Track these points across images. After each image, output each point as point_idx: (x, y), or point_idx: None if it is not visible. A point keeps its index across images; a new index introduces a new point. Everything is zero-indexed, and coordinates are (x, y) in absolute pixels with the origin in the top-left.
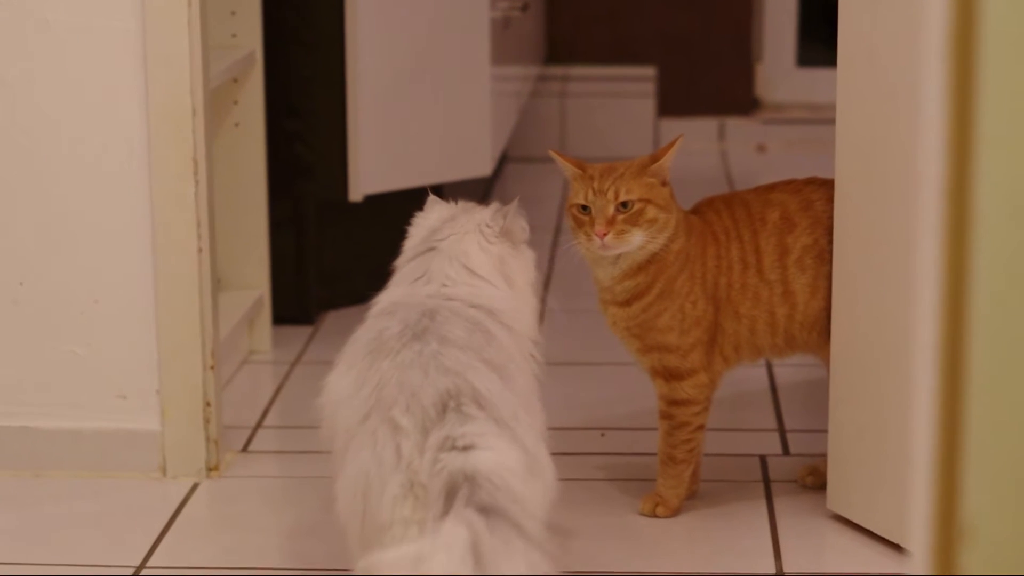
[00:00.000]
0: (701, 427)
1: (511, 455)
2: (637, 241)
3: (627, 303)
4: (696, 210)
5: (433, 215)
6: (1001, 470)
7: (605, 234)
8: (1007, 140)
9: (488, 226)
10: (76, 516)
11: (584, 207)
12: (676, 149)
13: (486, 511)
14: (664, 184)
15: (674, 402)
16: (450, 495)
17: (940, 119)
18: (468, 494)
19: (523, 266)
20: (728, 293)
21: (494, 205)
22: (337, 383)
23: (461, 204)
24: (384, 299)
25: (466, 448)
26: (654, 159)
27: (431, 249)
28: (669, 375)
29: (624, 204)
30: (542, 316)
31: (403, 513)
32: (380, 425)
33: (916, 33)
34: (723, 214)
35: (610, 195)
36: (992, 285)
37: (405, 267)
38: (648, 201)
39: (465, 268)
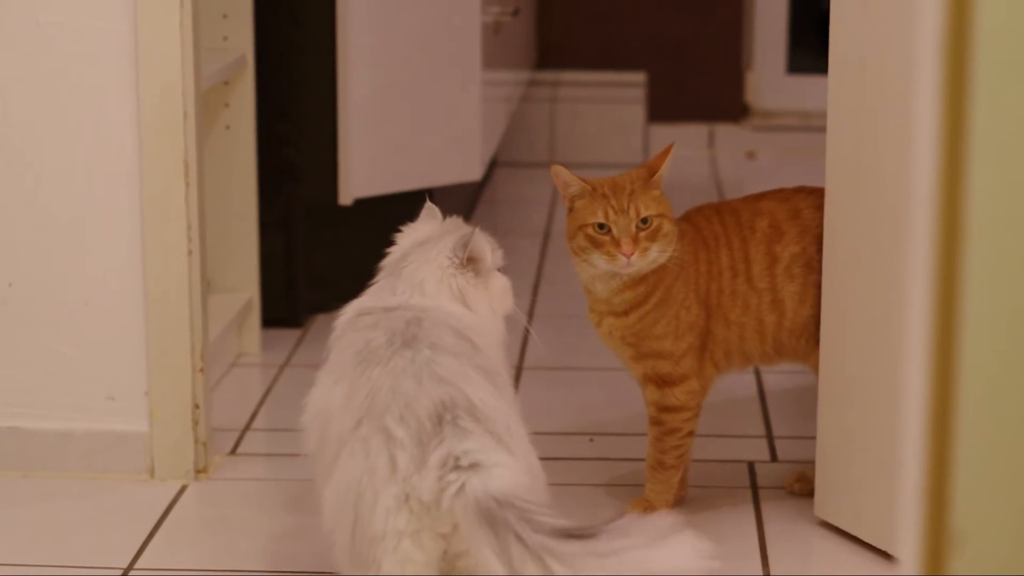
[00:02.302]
0: (691, 433)
1: (518, 468)
2: (654, 256)
3: (625, 313)
4: (686, 217)
5: (413, 233)
6: (990, 477)
7: (632, 253)
8: (999, 149)
9: (449, 258)
10: (64, 517)
11: (601, 226)
12: (671, 157)
13: (563, 532)
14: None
15: (665, 408)
16: (494, 523)
17: (931, 128)
18: (523, 521)
19: (484, 296)
20: (719, 299)
21: (459, 234)
22: (327, 395)
23: (447, 223)
24: (351, 309)
25: (472, 466)
26: (652, 170)
27: (396, 274)
28: (661, 381)
29: (644, 220)
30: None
31: (397, 525)
32: (373, 434)
33: (908, 41)
34: (713, 221)
35: (631, 213)
36: (982, 292)
37: (375, 285)
38: (663, 216)
39: (422, 296)
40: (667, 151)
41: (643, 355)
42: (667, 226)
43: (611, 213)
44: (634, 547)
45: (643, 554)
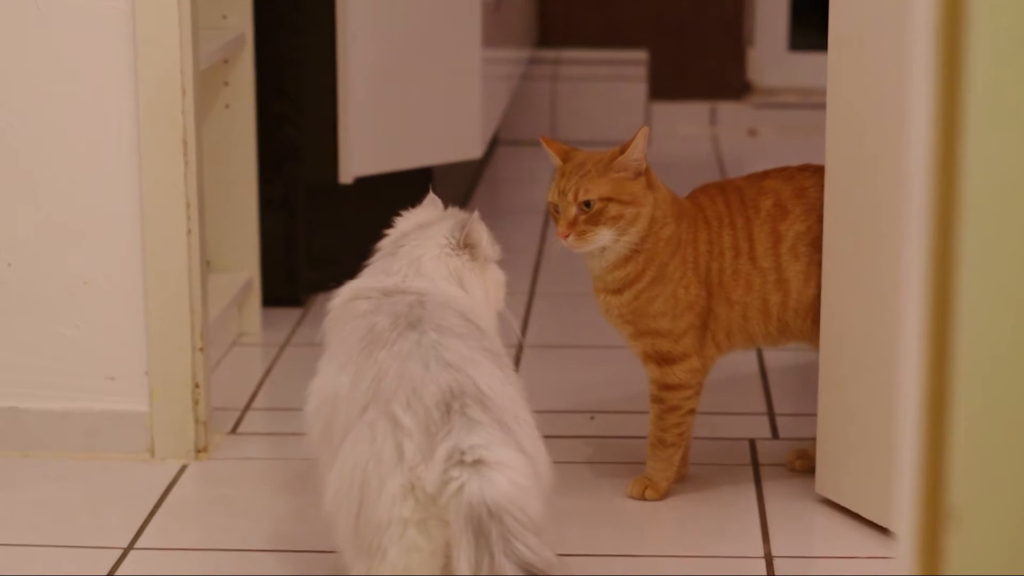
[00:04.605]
0: (692, 411)
1: (521, 469)
2: (604, 239)
3: (619, 291)
4: (690, 197)
5: (413, 218)
6: (986, 454)
7: (567, 235)
8: (995, 124)
9: (447, 238)
10: (65, 497)
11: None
12: (639, 143)
13: (526, 567)
14: (638, 175)
15: (666, 386)
16: (479, 533)
17: (928, 104)
18: (502, 541)
19: (479, 282)
20: (720, 279)
21: (462, 215)
22: (333, 382)
23: (448, 211)
24: (346, 291)
25: (476, 462)
26: (612, 158)
27: (392, 254)
28: (661, 359)
29: (587, 204)
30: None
31: (402, 513)
32: (379, 419)
33: (905, 18)
34: (717, 200)
35: (570, 196)
36: (979, 270)
37: (369, 266)
38: (609, 199)
39: (419, 273)
40: (637, 135)
41: (642, 333)
42: (614, 210)
43: (556, 194)
44: None
45: None
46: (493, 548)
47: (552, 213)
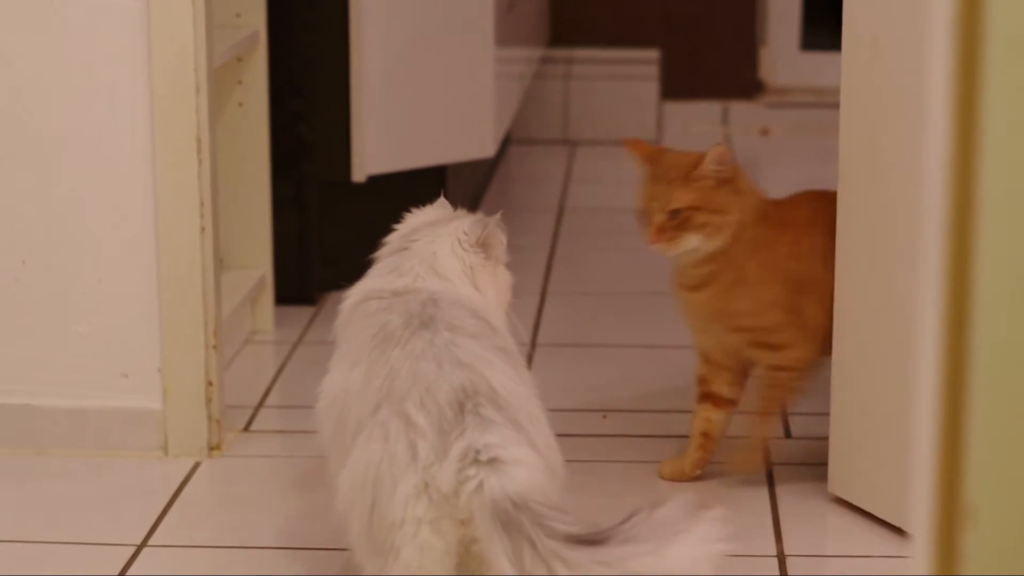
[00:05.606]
0: (797, 389)
1: (536, 466)
2: (691, 244)
3: (696, 288)
4: (787, 199)
5: (423, 215)
6: (1002, 452)
7: (656, 243)
8: (1012, 126)
9: (465, 234)
10: (78, 494)
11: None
12: (709, 162)
13: (576, 538)
14: (723, 182)
15: (777, 367)
16: (509, 526)
17: (944, 104)
18: (537, 527)
19: (492, 281)
20: (807, 281)
21: (478, 215)
22: (344, 380)
23: (456, 212)
24: (356, 292)
25: (491, 461)
26: (693, 166)
27: (404, 249)
28: (765, 347)
29: (675, 212)
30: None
31: (416, 513)
32: (392, 418)
33: (921, 17)
34: (807, 206)
35: (659, 204)
36: (996, 267)
37: (378, 263)
38: (697, 208)
39: (432, 269)
40: (708, 153)
41: (734, 329)
42: (701, 218)
43: (645, 200)
44: (641, 553)
45: (649, 560)
46: (530, 534)
47: (639, 217)
